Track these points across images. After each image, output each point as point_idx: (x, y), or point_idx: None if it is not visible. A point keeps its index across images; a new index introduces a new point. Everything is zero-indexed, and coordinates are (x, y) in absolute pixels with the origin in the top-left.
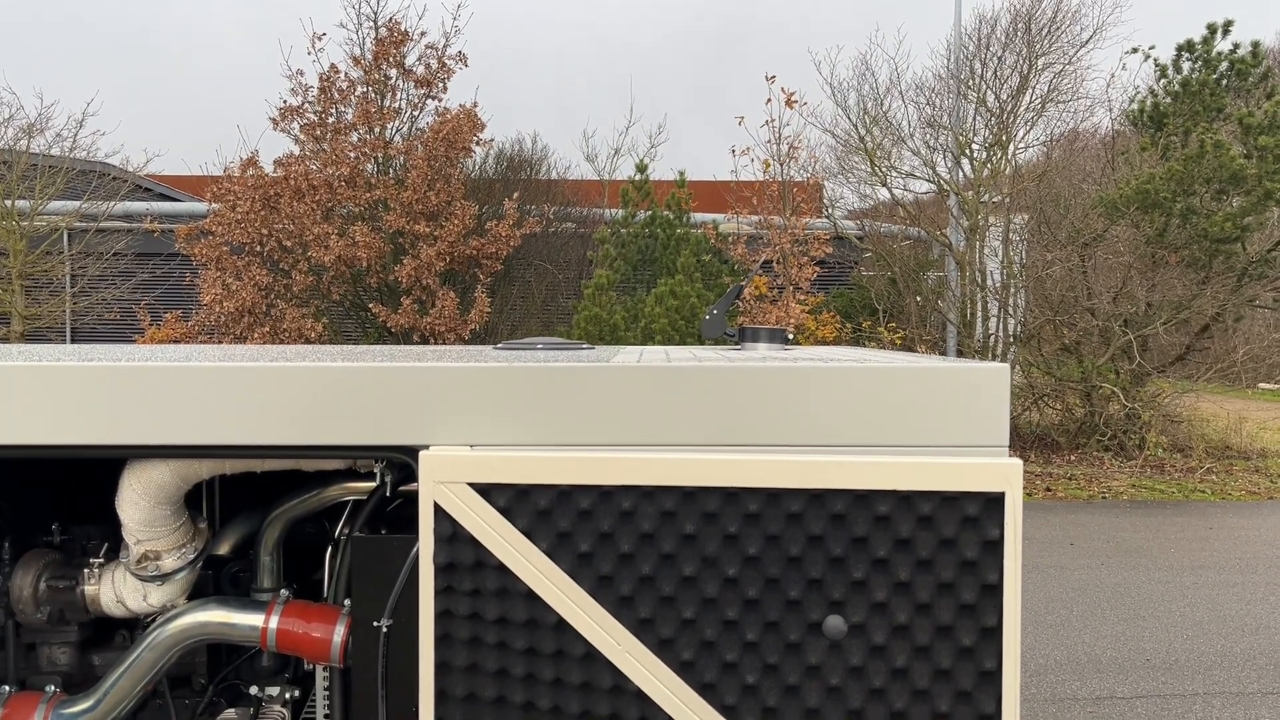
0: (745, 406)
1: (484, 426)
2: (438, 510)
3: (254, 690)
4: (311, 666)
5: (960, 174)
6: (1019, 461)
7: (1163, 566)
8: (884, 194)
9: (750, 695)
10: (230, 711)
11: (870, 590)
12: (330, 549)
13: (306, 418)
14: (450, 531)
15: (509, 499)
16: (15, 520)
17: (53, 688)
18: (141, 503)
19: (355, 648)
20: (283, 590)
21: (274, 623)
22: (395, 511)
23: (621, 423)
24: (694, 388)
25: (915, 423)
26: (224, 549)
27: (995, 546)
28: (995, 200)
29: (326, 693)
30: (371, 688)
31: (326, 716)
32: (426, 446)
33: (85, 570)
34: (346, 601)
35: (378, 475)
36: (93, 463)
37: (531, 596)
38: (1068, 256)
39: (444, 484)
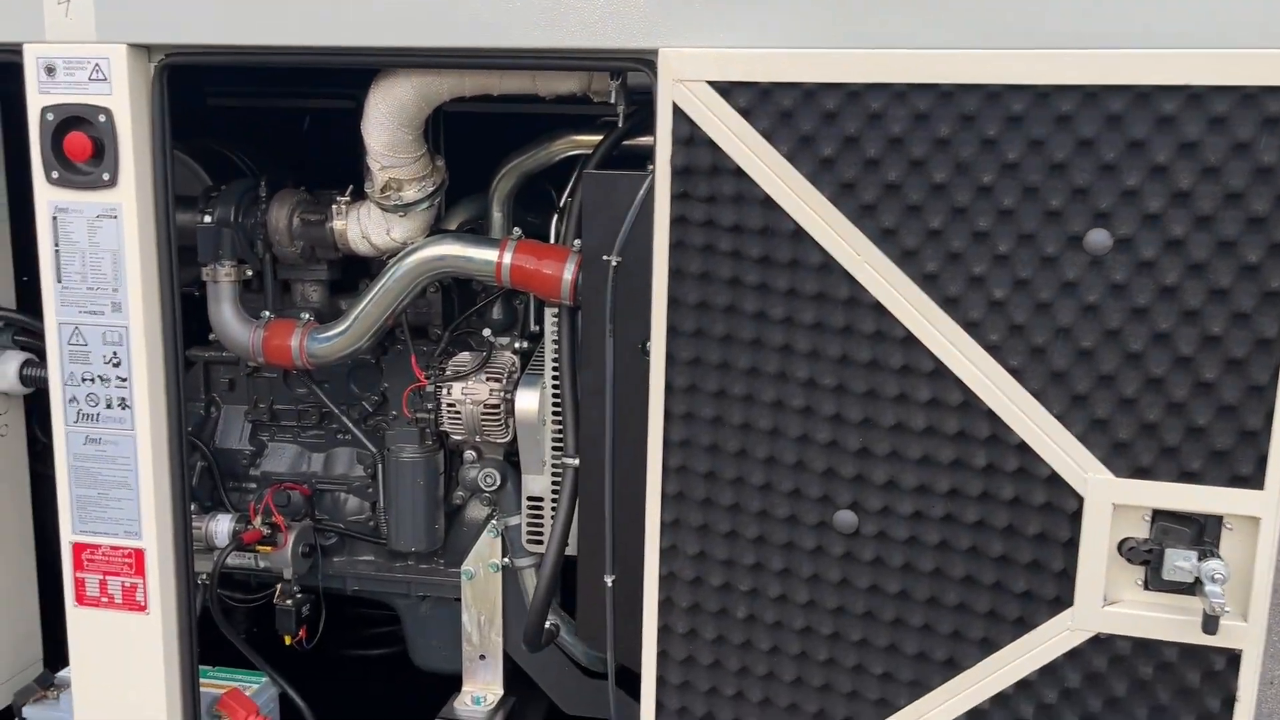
0: None
1: (726, 24)
2: (676, 112)
3: (486, 334)
4: (538, 326)
5: None
6: None
7: None
8: None
9: (996, 310)
10: (464, 354)
11: (1144, 200)
12: (559, 204)
13: (545, 19)
14: (687, 134)
15: (750, 99)
16: (267, 163)
17: (307, 316)
18: (386, 123)
19: (585, 284)
20: (515, 228)
21: (508, 257)
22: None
23: (877, 19)
24: None
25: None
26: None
27: None
28: None
29: (555, 333)
30: (600, 325)
31: (555, 358)
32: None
33: (333, 206)
34: (576, 241)
35: (613, 95)
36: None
37: (769, 203)
38: None
39: (683, 83)
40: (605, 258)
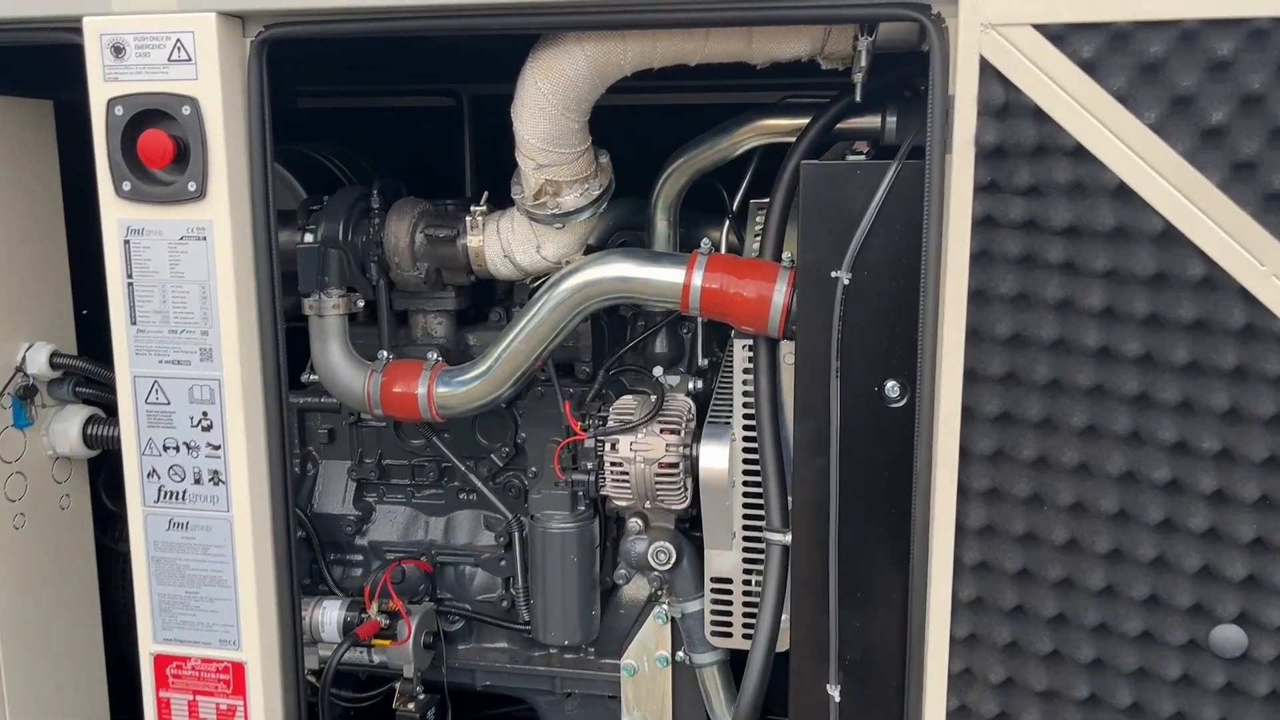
0: None
1: None
2: (984, 69)
3: (658, 373)
4: (716, 356)
5: None
6: None
7: None
8: None
9: None
10: (628, 398)
11: None
12: (731, 208)
13: None
14: (1001, 100)
15: (1097, 47)
16: (372, 170)
17: (435, 355)
18: (548, 108)
19: (801, 310)
20: (705, 240)
21: (698, 278)
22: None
23: None
24: None
25: None
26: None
27: None
28: None
29: (749, 369)
30: (821, 362)
31: (749, 404)
32: None
33: (467, 219)
34: (786, 255)
35: (861, 56)
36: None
37: (1123, 193)
38: None
39: (995, 28)
40: (834, 274)
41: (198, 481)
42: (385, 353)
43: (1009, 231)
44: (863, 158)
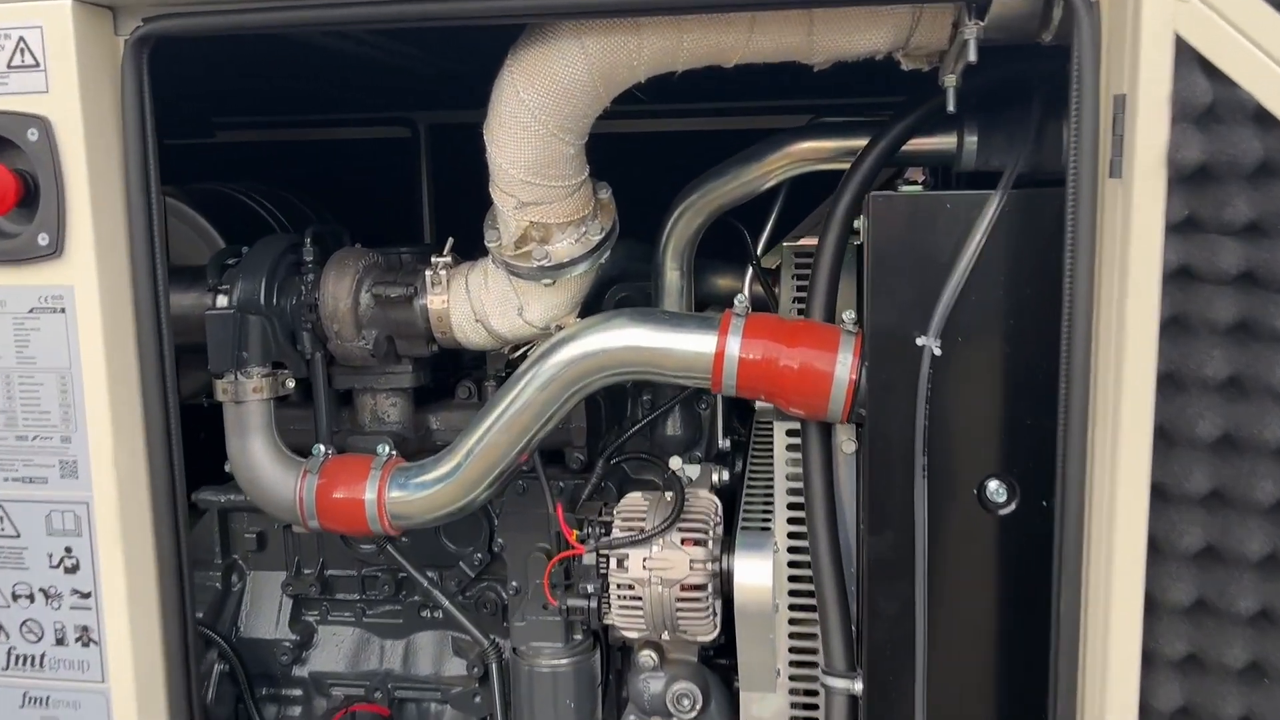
0: None
1: None
2: (1182, 54)
3: (675, 465)
4: (738, 434)
5: None
6: None
7: None
8: None
9: None
10: (637, 497)
11: None
12: (756, 254)
13: None
14: (1205, 99)
15: None
16: (307, 214)
17: (386, 448)
18: (533, 126)
19: (873, 387)
20: (740, 297)
21: (734, 346)
22: None
23: None
24: None
25: None
26: None
27: None
28: None
29: (797, 461)
30: (901, 455)
31: (794, 503)
32: None
33: (428, 273)
34: (847, 315)
35: (968, 47)
36: None
37: None
38: None
39: None
40: (919, 341)
41: (60, 641)
42: (323, 447)
43: (1216, 289)
44: (919, 188)
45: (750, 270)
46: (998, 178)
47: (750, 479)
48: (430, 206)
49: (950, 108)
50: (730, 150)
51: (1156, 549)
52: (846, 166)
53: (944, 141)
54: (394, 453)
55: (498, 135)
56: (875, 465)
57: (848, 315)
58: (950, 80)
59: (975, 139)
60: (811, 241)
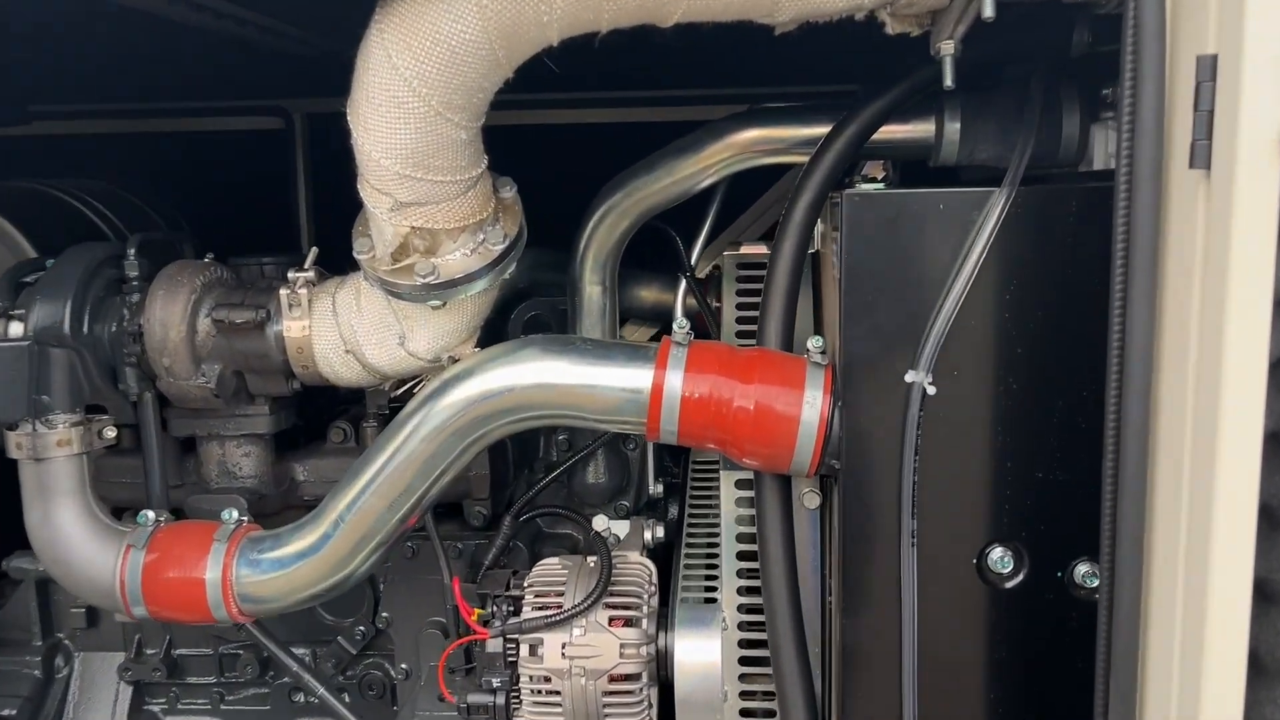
0: None
1: None
2: None
3: (600, 525)
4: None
5: None
6: None
7: None
8: None
9: None
10: (553, 565)
11: None
12: (691, 263)
13: None
14: None
15: None
16: (139, 217)
17: (234, 514)
18: (411, 102)
19: (849, 433)
20: (679, 322)
21: (675, 382)
22: None
23: None
24: None
25: None
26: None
27: None
28: None
29: (748, 518)
30: (879, 512)
31: (746, 569)
32: None
33: (283, 293)
34: (814, 343)
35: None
36: None
37: None
38: None
39: None
40: (908, 377)
41: None
42: (152, 514)
43: None
44: (880, 184)
45: (683, 283)
46: (980, 174)
47: (689, 532)
48: (308, 210)
49: (948, 82)
50: (657, 144)
51: (1260, 668)
52: (800, 159)
53: (918, 130)
54: (244, 518)
55: (365, 115)
56: (852, 531)
57: (814, 343)
58: (948, 48)
59: (958, 126)
60: (757, 250)
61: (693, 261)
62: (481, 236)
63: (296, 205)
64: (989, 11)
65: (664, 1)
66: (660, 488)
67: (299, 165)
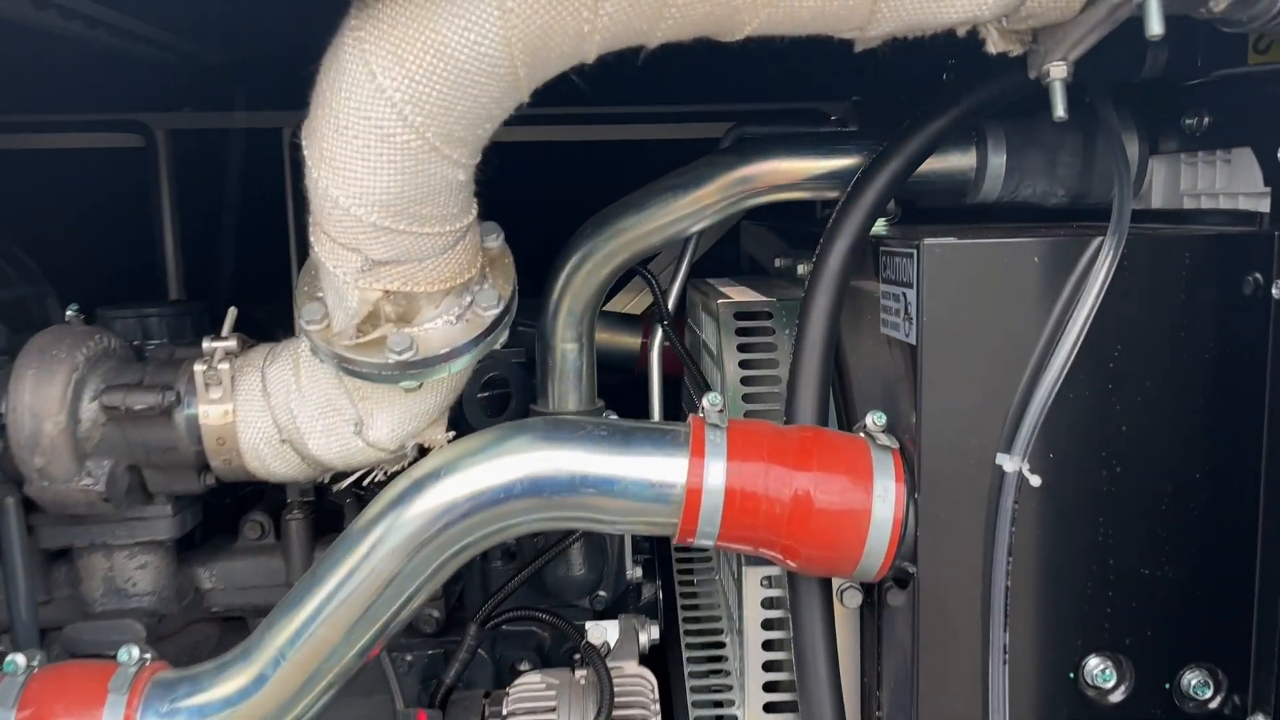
0: None
1: None
2: None
3: (596, 636)
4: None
5: None
6: None
7: None
8: None
9: None
10: (533, 680)
11: None
12: (665, 312)
13: None
14: None
15: None
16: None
17: (134, 651)
18: (403, 136)
19: (927, 527)
20: (712, 398)
21: (717, 473)
22: None
23: None
24: None
25: None
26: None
27: None
28: None
29: (776, 622)
30: (959, 619)
31: (776, 681)
32: None
33: (197, 369)
34: (875, 419)
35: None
36: None
37: None
38: None
39: None
40: (1008, 465)
41: None
42: (21, 659)
43: None
44: (883, 220)
45: (659, 331)
46: (1012, 212)
47: (687, 629)
48: (175, 246)
49: (1059, 113)
50: (622, 164)
51: None
52: (816, 196)
53: (956, 163)
54: (147, 657)
55: (334, 150)
56: (928, 646)
57: (876, 418)
58: (1059, 70)
59: (1003, 159)
60: (749, 296)
61: (668, 307)
62: (469, 299)
63: (161, 237)
64: (1157, 28)
65: (737, 10)
66: (639, 571)
67: (163, 190)
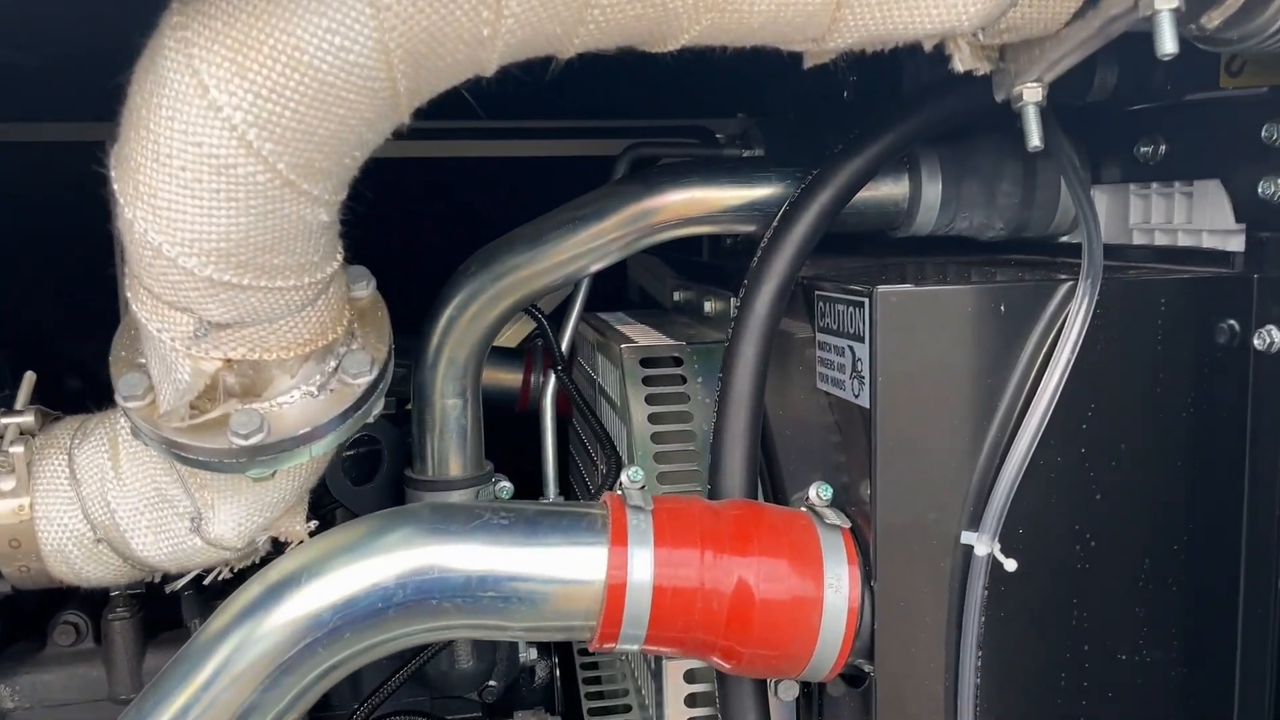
0: None
1: None
2: None
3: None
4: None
5: None
6: None
7: None
8: None
9: None
10: None
11: None
12: (560, 358)
13: None
14: None
15: None
16: None
17: None
18: (246, 167)
19: (885, 618)
20: (633, 471)
21: (644, 565)
22: None
23: None
24: None
25: None
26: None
27: None
28: None
29: None
30: None
31: None
32: None
33: None
34: (820, 491)
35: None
36: None
37: None
38: None
39: None
40: (978, 545)
41: None
42: None
43: None
44: None
45: (553, 380)
46: (931, 243)
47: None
48: None
49: (1034, 141)
50: (502, 183)
51: None
52: (739, 229)
53: (886, 192)
54: None
55: (153, 185)
56: None
57: (820, 490)
58: (1033, 94)
59: (938, 189)
60: (654, 338)
61: (561, 348)
62: (333, 365)
63: None
64: (1170, 46)
65: (674, 15)
66: (533, 653)
67: None
